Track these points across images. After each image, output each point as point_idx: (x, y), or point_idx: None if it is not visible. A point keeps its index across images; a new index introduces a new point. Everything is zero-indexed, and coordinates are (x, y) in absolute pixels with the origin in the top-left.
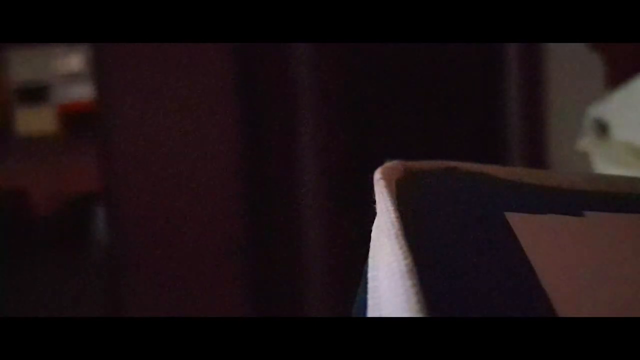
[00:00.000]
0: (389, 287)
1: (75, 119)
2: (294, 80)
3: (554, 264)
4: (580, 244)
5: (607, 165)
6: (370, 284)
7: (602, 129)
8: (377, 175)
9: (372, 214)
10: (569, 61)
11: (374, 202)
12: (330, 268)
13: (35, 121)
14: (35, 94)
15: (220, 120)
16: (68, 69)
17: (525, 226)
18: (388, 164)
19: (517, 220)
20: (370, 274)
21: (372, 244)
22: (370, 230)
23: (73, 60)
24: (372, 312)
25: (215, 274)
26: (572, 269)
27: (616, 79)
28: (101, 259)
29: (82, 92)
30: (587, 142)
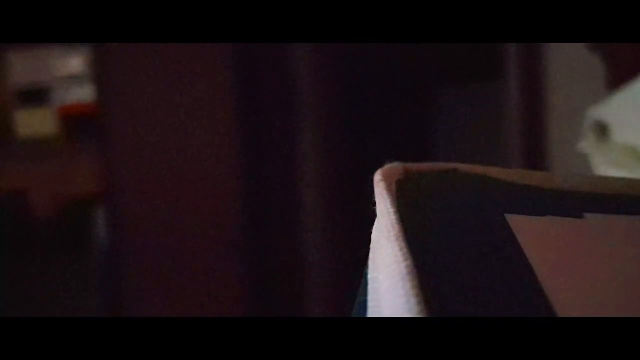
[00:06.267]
0: (389, 288)
1: (75, 121)
2: (294, 80)
3: (553, 265)
4: (580, 245)
5: (607, 167)
6: (370, 286)
7: (602, 130)
8: (377, 176)
9: (372, 216)
10: (569, 62)
11: (374, 203)
12: (330, 269)
13: (35, 123)
14: (35, 95)
15: (220, 121)
16: (68, 70)
17: (525, 228)
18: (388, 166)
19: (517, 222)
20: (370, 276)
21: (372, 245)
22: (370, 232)
23: (73, 61)
24: (372, 313)
25: (215, 275)
26: (572, 270)
27: (617, 80)
28: (101, 261)
29: (83, 94)
30: (587, 144)
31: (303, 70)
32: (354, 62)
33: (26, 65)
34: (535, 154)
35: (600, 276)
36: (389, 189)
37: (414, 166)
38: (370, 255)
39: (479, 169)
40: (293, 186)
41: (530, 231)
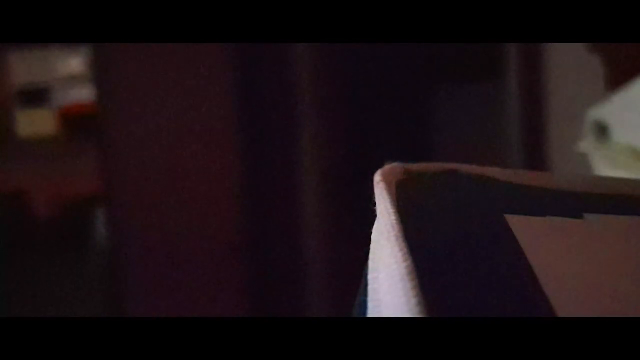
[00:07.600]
0: (389, 289)
1: (75, 121)
2: (294, 81)
3: (553, 265)
4: (580, 245)
5: (607, 167)
6: (370, 286)
7: (602, 131)
8: (377, 176)
9: (372, 216)
10: (569, 62)
11: (374, 203)
12: (331, 269)
13: (35, 123)
14: (35, 95)
15: (220, 121)
16: (69, 70)
17: (525, 228)
18: (388, 166)
19: (517, 222)
20: (370, 276)
21: (372, 246)
22: (370, 232)
23: (74, 62)
24: (372, 314)
25: (215, 275)
26: (572, 270)
27: (616, 80)
28: (101, 261)
29: (83, 94)
30: (587, 144)
31: (303, 70)
32: (354, 62)
33: (26, 65)
34: (535, 154)
35: (600, 276)
36: (389, 189)
37: (414, 166)
38: (370, 255)
39: (478, 169)
40: (293, 186)
41: (530, 231)
